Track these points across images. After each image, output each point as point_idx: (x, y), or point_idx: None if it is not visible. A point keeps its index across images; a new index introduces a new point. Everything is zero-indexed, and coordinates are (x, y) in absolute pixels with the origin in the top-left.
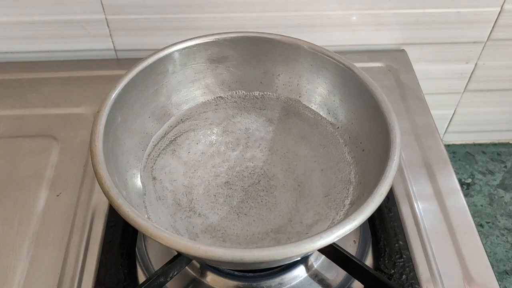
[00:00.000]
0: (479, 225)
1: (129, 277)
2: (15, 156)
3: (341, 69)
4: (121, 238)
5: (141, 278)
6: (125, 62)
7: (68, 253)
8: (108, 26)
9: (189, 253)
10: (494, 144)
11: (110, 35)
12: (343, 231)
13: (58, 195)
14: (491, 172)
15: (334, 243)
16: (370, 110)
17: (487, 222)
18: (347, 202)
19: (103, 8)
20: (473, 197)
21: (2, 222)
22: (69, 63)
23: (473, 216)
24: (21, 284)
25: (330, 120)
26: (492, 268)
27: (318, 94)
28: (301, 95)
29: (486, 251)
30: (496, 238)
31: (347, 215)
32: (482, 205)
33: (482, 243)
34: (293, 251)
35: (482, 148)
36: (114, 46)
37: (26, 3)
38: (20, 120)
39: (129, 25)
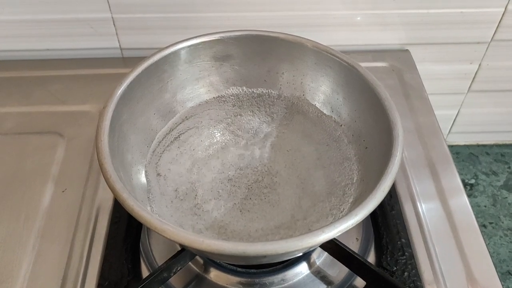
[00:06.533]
0: (482, 226)
1: (133, 272)
2: (21, 152)
3: (344, 68)
4: (125, 233)
5: (145, 273)
6: (130, 61)
7: (73, 248)
8: (114, 25)
9: (192, 246)
10: (498, 145)
11: (116, 34)
12: (345, 226)
13: (63, 191)
14: (495, 173)
15: (336, 240)
16: (373, 108)
17: (490, 223)
18: (350, 199)
19: (110, 7)
20: (477, 198)
21: (9, 217)
22: (75, 62)
23: (477, 217)
24: (27, 278)
25: (333, 118)
26: (495, 268)
27: (321, 92)
28: (305, 93)
29: (489, 252)
30: (500, 239)
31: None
32: (485, 206)
33: (485, 244)
34: (296, 245)
35: (485, 149)
36: (120, 45)
37: (33, 1)
38: (27, 117)
39: (135, 24)
